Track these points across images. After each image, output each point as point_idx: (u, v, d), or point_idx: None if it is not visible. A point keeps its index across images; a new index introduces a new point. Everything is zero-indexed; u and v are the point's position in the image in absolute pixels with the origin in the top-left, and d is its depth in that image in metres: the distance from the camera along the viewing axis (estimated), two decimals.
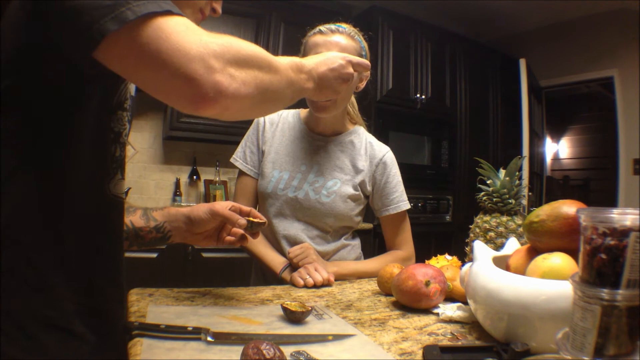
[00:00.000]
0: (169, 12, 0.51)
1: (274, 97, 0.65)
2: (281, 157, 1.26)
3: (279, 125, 1.30)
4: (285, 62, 0.68)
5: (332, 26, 1.19)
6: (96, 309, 0.63)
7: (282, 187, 1.23)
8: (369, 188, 1.28)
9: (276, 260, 1.18)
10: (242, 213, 0.89)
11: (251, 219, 0.87)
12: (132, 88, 0.78)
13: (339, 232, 1.27)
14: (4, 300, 0.53)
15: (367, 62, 0.92)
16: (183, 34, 0.51)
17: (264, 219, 0.89)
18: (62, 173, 0.59)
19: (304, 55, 1.21)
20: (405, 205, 1.29)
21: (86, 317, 0.61)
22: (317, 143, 1.27)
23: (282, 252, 1.23)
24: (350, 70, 0.86)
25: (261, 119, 1.31)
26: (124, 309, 0.74)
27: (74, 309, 0.60)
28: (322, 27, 1.19)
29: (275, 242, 1.25)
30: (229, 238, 0.91)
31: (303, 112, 1.33)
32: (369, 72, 1.24)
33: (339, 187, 1.23)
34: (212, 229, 0.91)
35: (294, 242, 1.22)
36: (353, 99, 1.35)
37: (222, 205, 0.88)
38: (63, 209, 0.59)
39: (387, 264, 1.03)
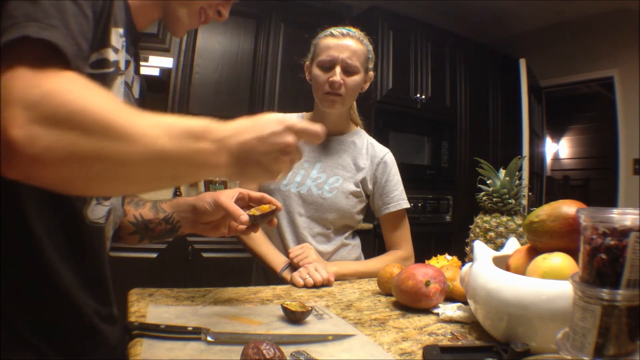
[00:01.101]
0: (25, 38, 0.44)
1: (119, 174, 0.48)
2: None
3: None
4: (160, 126, 0.49)
5: (343, 30, 1.23)
6: (84, 331, 0.65)
7: (286, 183, 1.25)
8: (370, 186, 1.30)
9: (277, 260, 1.19)
10: (251, 199, 0.85)
11: (254, 212, 0.81)
12: (135, 90, 0.78)
13: (340, 230, 1.29)
14: None
15: (315, 128, 0.60)
16: (14, 73, 0.43)
17: (275, 206, 0.84)
18: (37, 199, 0.58)
19: (314, 56, 1.24)
20: (405, 203, 1.31)
21: (73, 338, 0.63)
22: (320, 142, 1.29)
23: (283, 249, 1.24)
24: (289, 139, 0.57)
25: None
26: (116, 325, 0.75)
27: (60, 331, 0.62)
28: (333, 30, 1.23)
29: (276, 238, 1.26)
30: (240, 227, 0.86)
31: (306, 115, 1.37)
32: (372, 73, 1.28)
33: (340, 184, 1.25)
34: (220, 219, 0.86)
35: (295, 238, 1.24)
36: None
37: (228, 196, 0.82)
38: (42, 234, 0.59)
39: (387, 264, 1.03)
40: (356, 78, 1.22)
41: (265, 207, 0.82)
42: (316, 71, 1.22)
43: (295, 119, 1.32)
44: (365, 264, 1.26)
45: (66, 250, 0.62)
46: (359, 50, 1.22)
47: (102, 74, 0.61)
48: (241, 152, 0.53)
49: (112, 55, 0.63)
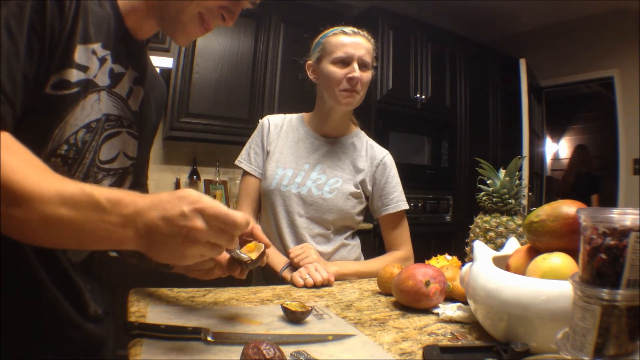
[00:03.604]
0: None
1: (25, 235, 0.50)
2: (285, 156, 1.29)
3: (284, 127, 1.34)
4: (64, 193, 0.49)
5: (354, 28, 1.25)
6: (64, 326, 0.69)
7: (286, 184, 1.25)
8: (369, 188, 1.30)
9: (277, 260, 1.19)
10: (242, 234, 0.75)
11: (241, 256, 0.71)
12: (135, 102, 0.76)
13: (339, 230, 1.29)
14: None
15: (233, 218, 0.53)
16: None
17: (263, 245, 0.74)
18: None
19: (325, 54, 1.24)
20: (404, 205, 1.31)
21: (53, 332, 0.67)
22: (320, 144, 1.31)
23: (283, 249, 1.24)
24: (197, 224, 0.51)
25: (265, 122, 1.35)
26: (100, 323, 0.76)
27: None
28: (345, 28, 1.25)
29: (276, 239, 1.26)
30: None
31: (306, 115, 1.37)
32: (373, 72, 1.30)
33: (340, 185, 1.26)
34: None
35: (295, 239, 1.24)
36: None
37: None
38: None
39: (387, 264, 1.03)
40: (369, 74, 1.25)
41: (252, 246, 0.74)
42: (331, 68, 1.22)
43: (295, 118, 1.34)
44: (365, 264, 1.26)
45: (36, 249, 0.64)
46: (370, 48, 1.25)
47: (61, 96, 0.61)
48: (146, 231, 0.51)
49: (75, 76, 0.62)
